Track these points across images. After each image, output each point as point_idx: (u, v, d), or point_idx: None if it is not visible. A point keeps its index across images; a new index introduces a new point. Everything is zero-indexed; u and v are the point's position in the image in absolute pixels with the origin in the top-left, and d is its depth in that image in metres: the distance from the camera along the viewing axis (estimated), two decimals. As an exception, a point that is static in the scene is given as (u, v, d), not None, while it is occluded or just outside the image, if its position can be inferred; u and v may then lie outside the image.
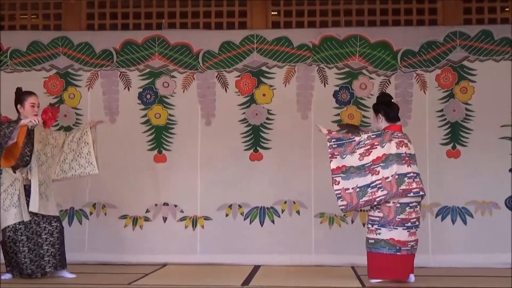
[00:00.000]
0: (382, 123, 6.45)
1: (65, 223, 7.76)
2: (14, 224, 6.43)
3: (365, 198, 6.25)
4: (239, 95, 7.85)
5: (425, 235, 7.55)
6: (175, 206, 7.79)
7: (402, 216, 6.27)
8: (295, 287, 6.26)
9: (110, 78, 7.92)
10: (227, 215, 7.77)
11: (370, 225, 6.32)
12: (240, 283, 6.31)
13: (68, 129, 7.86)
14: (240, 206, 7.76)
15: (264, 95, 7.84)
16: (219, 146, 7.79)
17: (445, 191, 7.61)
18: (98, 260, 7.59)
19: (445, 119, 7.70)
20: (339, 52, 7.80)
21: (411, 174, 6.29)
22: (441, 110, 7.71)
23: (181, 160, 7.80)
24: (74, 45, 7.93)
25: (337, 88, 7.79)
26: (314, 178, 7.69)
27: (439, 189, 7.59)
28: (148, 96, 7.89)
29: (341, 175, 6.30)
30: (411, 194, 6.25)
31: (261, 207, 7.74)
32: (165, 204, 7.80)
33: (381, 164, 6.27)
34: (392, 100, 6.59)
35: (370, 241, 6.32)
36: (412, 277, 6.37)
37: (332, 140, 6.38)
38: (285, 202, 7.70)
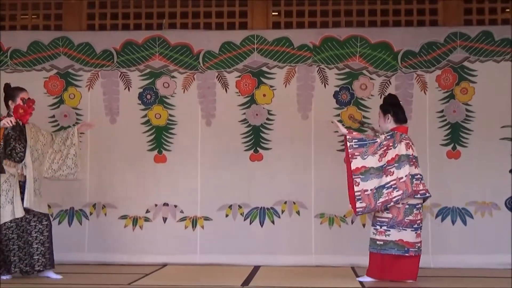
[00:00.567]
0: (390, 124, 6.48)
1: (65, 223, 7.79)
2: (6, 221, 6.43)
3: (381, 199, 6.26)
4: (239, 95, 7.85)
5: (425, 236, 7.52)
6: (175, 206, 7.80)
7: (410, 217, 6.31)
8: (295, 288, 6.27)
9: (110, 78, 7.92)
10: (227, 215, 7.77)
11: (378, 227, 6.33)
12: (240, 284, 6.30)
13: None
14: (240, 207, 7.76)
15: (264, 95, 7.84)
16: (219, 146, 7.79)
17: (445, 192, 7.61)
18: (98, 260, 7.59)
19: (446, 119, 7.70)
20: (340, 52, 7.80)
21: (418, 175, 6.37)
22: (442, 111, 7.71)
23: (181, 160, 7.81)
24: (75, 45, 7.94)
25: (338, 89, 7.79)
26: (314, 179, 7.69)
27: (439, 189, 7.58)
28: (149, 97, 7.89)
29: (360, 176, 6.30)
30: (418, 196, 6.32)
31: (261, 207, 7.74)
32: (165, 204, 7.80)
33: (395, 165, 6.30)
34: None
35: (378, 242, 6.32)
36: None
37: (354, 140, 6.36)
38: (285, 203, 7.70)
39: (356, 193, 6.30)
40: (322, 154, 7.68)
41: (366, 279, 6.42)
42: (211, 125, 7.84)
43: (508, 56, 7.66)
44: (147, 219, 7.79)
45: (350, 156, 6.34)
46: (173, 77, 7.89)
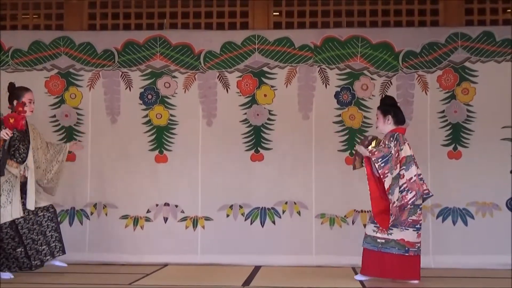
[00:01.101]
0: (390, 125, 6.49)
1: (65, 223, 7.79)
2: (11, 220, 6.44)
3: (398, 204, 6.26)
4: (240, 95, 7.85)
5: (426, 236, 7.54)
6: (176, 206, 7.80)
7: (414, 217, 6.36)
8: (296, 288, 6.28)
9: (111, 78, 7.92)
10: (228, 215, 7.77)
11: (379, 224, 6.32)
12: (240, 284, 6.31)
13: (69, 129, 7.87)
14: (241, 207, 7.76)
15: (265, 95, 7.84)
16: (220, 146, 7.79)
17: (446, 192, 7.60)
18: (99, 260, 7.59)
19: (447, 120, 7.70)
20: (341, 52, 7.79)
21: (421, 175, 6.41)
22: (443, 111, 7.70)
23: (182, 160, 7.80)
24: (76, 45, 7.94)
25: (339, 89, 7.78)
26: (315, 179, 7.69)
27: (440, 190, 7.57)
28: (150, 96, 7.89)
29: (389, 191, 6.26)
30: (424, 196, 6.40)
31: (262, 207, 7.74)
32: (166, 204, 7.80)
33: (404, 167, 6.31)
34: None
35: (379, 240, 6.32)
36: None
37: (379, 160, 6.28)
38: (286, 203, 7.70)
39: (391, 209, 6.25)
40: (323, 154, 7.68)
41: (362, 277, 6.42)
42: (212, 125, 7.84)
43: (509, 56, 7.65)
44: (148, 219, 7.79)
45: (382, 176, 6.24)
46: (174, 77, 7.89)
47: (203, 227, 7.77)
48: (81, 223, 7.81)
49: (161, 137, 7.85)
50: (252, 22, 8.04)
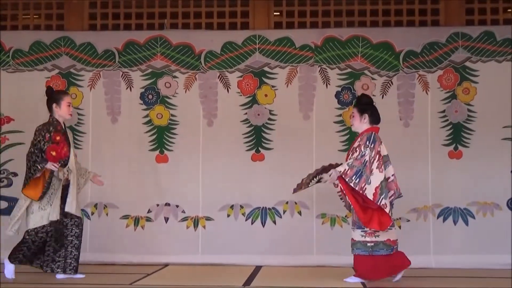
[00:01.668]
0: (365, 124, 6.46)
1: (66, 223, 7.79)
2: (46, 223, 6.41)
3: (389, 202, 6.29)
4: (241, 95, 7.85)
5: (427, 236, 7.56)
6: (177, 206, 7.80)
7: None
8: (297, 288, 6.28)
9: (112, 78, 7.93)
10: (228, 215, 7.76)
11: (367, 228, 6.31)
12: (241, 284, 6.31)
13: (70, 129, 7.85)
14: (241, 207, 7.76)
15: (266, 95, 7.84)
16: (221, 146, 7.79)
17: (447, 192, 7.61)
18: (100, 260, 7.59)
19: (447, 120, 7.69)
20: (341, 52, 7.79)
21: (393, 174, 6.41)
22: (443, 111, 7.70)
23: (182, 160, 7.81)
24: (76, 45, 7.94)
25: (339, 89, 7.78)
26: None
27: (441, 190, 7.60)
28: (150, 96, 7.90)
29: (382, 196, 6.22)
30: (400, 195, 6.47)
31: (263, 207, 7.74)
32: (167, 204, 7.80)
33: (382, 167, 6.30)
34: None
35: (369, 244, 6.31)
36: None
37: (353, 178, 6.23)
38: (287, 203, 7.70)
39: (390, 213, 6.25)
40: (323, 154, 7.66)
41: (355, 279, 6.40)
42: (212, 125, 7.84)
43: (510, 56, 7.65)
44: (148, 219, 7.79)
45: (361, 191, 6.21)
46: (175, 77, 7.90)
47: (204, 227, 7.77)
48: (82, 223, 7.80)
49: (161, 137, 7.85)
50: (253, 22, 8.04)
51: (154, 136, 7.86)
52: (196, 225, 7.78)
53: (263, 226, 7.74)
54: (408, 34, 7.80)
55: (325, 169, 6.48)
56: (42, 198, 6.37)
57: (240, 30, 8.02)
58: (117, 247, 7.70)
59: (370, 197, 6.18)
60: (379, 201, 6.18)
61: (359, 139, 6.42)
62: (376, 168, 6.24)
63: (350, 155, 6.41)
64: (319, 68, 7.79)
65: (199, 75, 7.88)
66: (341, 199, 6.58)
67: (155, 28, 8.06)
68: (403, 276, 6.47)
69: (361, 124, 6.47)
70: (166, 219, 7.79)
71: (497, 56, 7.66)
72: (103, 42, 7.94)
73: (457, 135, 7.67)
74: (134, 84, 7.91)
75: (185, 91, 7.89)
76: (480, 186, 7.59)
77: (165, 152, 7.85)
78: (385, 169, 6.31)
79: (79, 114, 7.91)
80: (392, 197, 6.36)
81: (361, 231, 6.33)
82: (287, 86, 7.80)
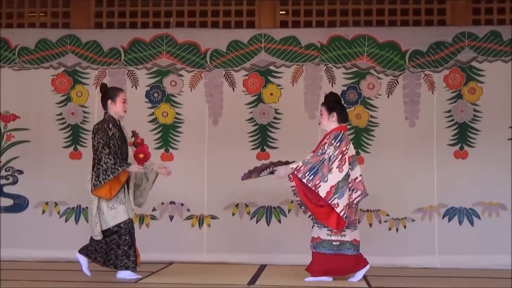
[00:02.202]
0: (333, 122, 6.43)
1: (71, 220, 7.81)
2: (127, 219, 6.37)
3: (345, 203, 6.25)
4: (246, 94, 7.85)
5: (432, 236, 7.55)
6: (182, 205, 7.80)
7: (356, 217, 6.41)
8: (301, 287, 6.25)
9: (117, 76, 7.93)
10: (233, 214, 7.76)
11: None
12: (246, 283, 6.30)
13: (75, 127, 7.88)
14: (246, 206, 7.76)
15: (271, 94, 7.83)
16: (226, 145, 7.79)
17: (452, 192, 7.59)
18: (105, 258, 7.59)
19: (453, 119, 7.68)
20: (347, 52, 7.78)
21: (361, 175, 6.39)
22: (449, 111, 7.69)
23: (188, 159, 7.80)
24: (82, 43, 7.95)
25: (345, 88, 7.77)
26: (321, 178, 7.67)
27: (446, 190, 7.58)
28: (156, 95, 7.90)
29: (335, 196, 6.18)
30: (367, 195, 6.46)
31: (268, 206, 7.74)
32: (172, 202, 7.80)
33: (350, 167, 6.28)
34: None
35: (334, 243, 6.29)
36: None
37: (306, 174, 6.24)
38: (292, 202, 7.68)
39: (341, 213, 6.17)
40: (329, 153, 7.67)
41: (311, 278, 6.39)
42: (218, 123, 7.83)
43: (516, 56, 7.65)
44: (153, 217, 7.79)
45: (314, 188, 6.20)
46: (181, 75, 7.89)
47: (209, 225, 7.77)
48: (87, 221, 7.77)
49: (167, 136, 7.85)
50: (259, 21, 8.03)
51: (159, 135, 7.86)
52: (201, 223, 7.78)
53: (268, 225, 7.73)
54: (414, 33, 7.79)
55: (282, 164, 6.46)
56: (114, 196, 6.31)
57: (246, 28, 8.02)
58: (122, 245, 7.69)
59: (323, 194, 6.16)
60: (331, 200, 6.15)
61: (327, 137, 6.39)
62: (336, 167, 6.22)
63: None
64: (325, 67, 7.79)
65: (204, 74, 7.88)
66: (294, 194, 6.49)
67: (161, 27, 8.06)
68: (408, 276, 6.46)
69: (329, 123, 6.44)
70: (171, 218, 7.79)
71: (503, 56, 7.64)
72: (109, 40, 7.95)
73: (463, 135, 7.66)
74: (140, 82, 7.91)
75: (191, 90, 7.89)
76: (486, 186, 7.58)
77: (170, 150, 7.85)
78: (352, 169, 6.29)
79: (84, 112, 7.92)
80: (360, 197, 6.32)
81: (327, 230, 6.30)
82: (293, 85, 7.80)
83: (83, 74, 7.94)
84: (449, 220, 7.60)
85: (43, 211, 7.87)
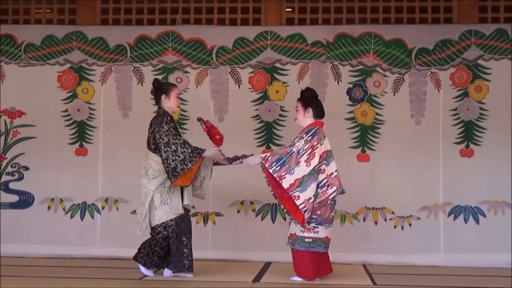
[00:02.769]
0: (309, 118, 6.41)
1: (77, 217, 7.81)
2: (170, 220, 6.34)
3: (318, 200, 6.21)
4: (252, 91, 7.85)
5: (437, 234, 7.53)
6: (187, 201, 7.79)
7: (332, 213, 6.36)
8: (306, 285, 6.24)
9: (123, 73, 7.94)
10: (238, 211, 7.77)
11: (306, 223, 6.24)
12: (251, 280, 6.31)
13: (81, 123, 7.88)
14: (252, 203, 7.76)
15: (277, 91, 7.83)
16: (232, 142, 7.74)
17: (458, 190, 7.58)
18: (109, 254, 7.60)
19: (459, 117, 7.66)
20: (353, 49, 7.77)
21: (337, 170, 6.35)
22: (455, 109, 7.67)
23: (193, 155, 7.79)
24: (88, 39, 7.95)
25: (351, 86, 7.77)
26: (327, 176, 7.66)
27: (452, 188, 7.57)
28: (161, 92, 7.89)
29: (297, 189, 6.15)
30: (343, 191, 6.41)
31: (273, 204, 7.73)
32: (177, 199, 7.79)
33: (324, 162, 6.27)
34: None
35: (307, 240, 6.25)
36: None
37: (273, 165, 6.23)
38: (297, 199, 7.68)
39: (301, 206, 6.14)
40: (334, 150, 7.55)
41: (298, 278, 6.35)
42: (223, 120, 7.83)
43: (523, 54, 7.63)
44: (158, 214, 7.78)
45: (278, 178, 6.19)
46: (186, 72, 7.90)
47: (214, 222, 7.77)
48: (92, 218, 7.82)
49: (172, 133, 7.84)
50: (265, 18, 8.03)
51: (165, 131, 7.85)
52: (206, 220, 7.78)
53: (273, 222, 7.73)
54: (421, 31, 7.77)
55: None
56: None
57: (252, 26, 8.02)
58: (127, 242, 7.65)
59: (285, 186, 6.15)
60: (293, 192, 6.13)
61: (300, 133, 6.40)
62: (304, 161, 6.20)
63: None
64: (331, 64, 7.78)
65: (210, 71, 7.88)
66: (268, 185, 6.43)
67: (167, 23, 8.06)
68: (414, 274, 6.45)
69: (305, 118, 6.42)
70: (176, 215, 7.78)
71: (510, 54, 7.63)
72: (115, 36, 7.95)
73: (469, 133, 7.64)
74: (146, 79, 7.91)
75: (196, 87, 7.89)
76: (492, 185, 7.56)
77: (176, 147, 7.84)
78: (328, 165, 6.27)
79: (90, 108, 7.92)
80: (335, 193, 6.28)
81: (302, 227, 6.27)
82: (299, 82, 7.78)
83: (89, 70, 7.95)
84: (455, 218, 7.59)
85: (49, 208, 7.88)
